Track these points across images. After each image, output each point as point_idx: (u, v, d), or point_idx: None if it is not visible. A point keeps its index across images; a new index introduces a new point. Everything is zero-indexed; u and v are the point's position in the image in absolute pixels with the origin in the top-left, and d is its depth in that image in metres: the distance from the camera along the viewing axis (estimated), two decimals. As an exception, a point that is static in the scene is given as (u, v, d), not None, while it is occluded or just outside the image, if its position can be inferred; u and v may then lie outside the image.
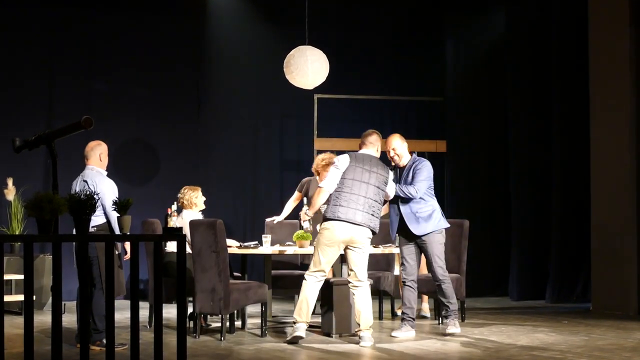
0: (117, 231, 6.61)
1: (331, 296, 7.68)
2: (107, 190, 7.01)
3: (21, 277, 9.32)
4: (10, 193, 10.20)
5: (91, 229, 6.69)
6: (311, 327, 8.01)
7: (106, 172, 7.28)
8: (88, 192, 4.55)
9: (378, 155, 7.55)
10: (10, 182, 10.20)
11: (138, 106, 11.74)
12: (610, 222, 9.98)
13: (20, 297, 9.41)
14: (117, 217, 4.89)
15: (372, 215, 7.23)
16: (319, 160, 8.81)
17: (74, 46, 11.49)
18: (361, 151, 7.52)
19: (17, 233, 10.14)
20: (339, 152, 11.95)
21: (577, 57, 10.85)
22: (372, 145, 7.51)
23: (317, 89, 10.49)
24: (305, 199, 8.93)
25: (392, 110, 12.80)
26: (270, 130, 12.43)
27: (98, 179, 7.11)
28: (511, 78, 11.82)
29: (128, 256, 6.88)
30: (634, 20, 9.85)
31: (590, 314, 9.76)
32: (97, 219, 6.94)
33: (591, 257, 10.27)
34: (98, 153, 7.28)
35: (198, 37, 12.10)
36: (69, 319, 8.33)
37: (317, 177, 8.74)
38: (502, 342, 7.33)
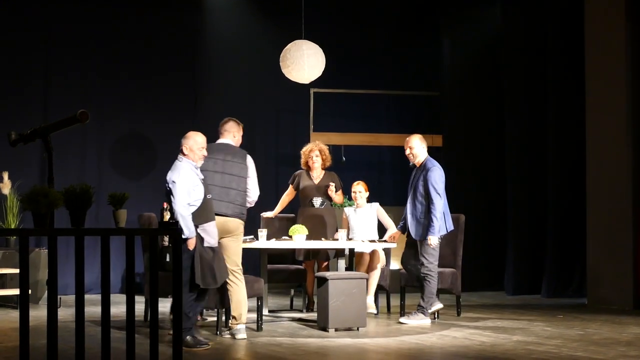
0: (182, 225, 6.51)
1: (327, 291, 7.67)
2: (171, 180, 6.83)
3: (17, 271, 9.32)
4: (6, 187, 10.19)
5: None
6: (307, 322, 8.03)
7: (194, 164, 6.84)
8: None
9: (236, 142, 7.44)
10: (5, 175, 10.19)
11: (134, 100, 11.70)
12: (606, 217, 9.99)
13: (16, 291, 9.40)
14: (113, 210, 4.87)
15: (233, 203, 7.16)
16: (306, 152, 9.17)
17: (70, 40, 11.45)
18: (217, 141, 7.44)
19: (12, 227, 10.13)
20: (333, 146, 12.11)
21: (573, 50, 10.85)
22: (228, 133, 7.45)
23: (313, 83, 10.48)
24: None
25: (388, 105, 12.80)
26: (266, 124, 12.42)
27: (171, 169, 6.89)
28: (507, 72, 11.81)
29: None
30: (630, 15, 9.85)
31: (586, 308, 9.76)
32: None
33: (587, 252, 10.28)
34: (184, 146, 6.94)
35: (194, 31, 12.07)
36: (65, 313, 8.31)
37: (307, 170, 9.17)
38: (497, 336, 7.33)
